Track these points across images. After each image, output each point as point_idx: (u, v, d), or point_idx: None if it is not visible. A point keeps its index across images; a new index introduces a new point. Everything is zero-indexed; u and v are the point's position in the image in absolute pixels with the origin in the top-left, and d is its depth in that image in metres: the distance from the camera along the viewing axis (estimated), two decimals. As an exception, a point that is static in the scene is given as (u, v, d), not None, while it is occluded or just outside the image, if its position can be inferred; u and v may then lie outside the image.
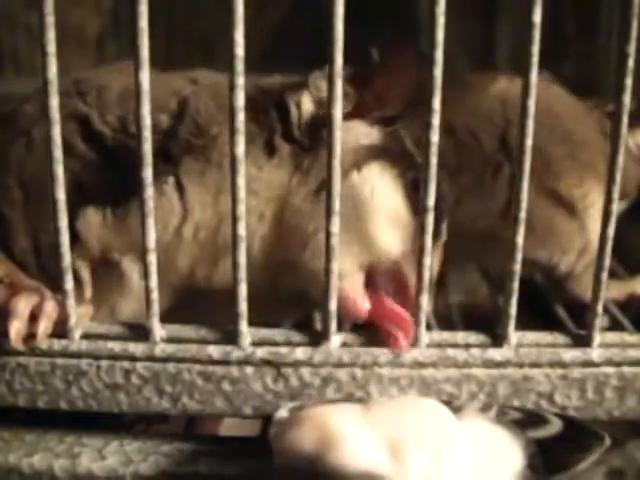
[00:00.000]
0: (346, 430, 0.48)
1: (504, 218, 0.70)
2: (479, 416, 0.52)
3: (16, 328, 0.53)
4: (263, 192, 0.59)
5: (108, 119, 0.60)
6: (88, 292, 0.60)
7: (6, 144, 0.61)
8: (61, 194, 0.52)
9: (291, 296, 0.61)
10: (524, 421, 0.52)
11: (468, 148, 0.75)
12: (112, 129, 0.60)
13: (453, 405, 0.53)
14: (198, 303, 0.61)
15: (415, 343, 0.56)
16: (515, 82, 0.71)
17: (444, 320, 0.75)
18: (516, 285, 0.55)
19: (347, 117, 0.56)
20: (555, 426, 0.52)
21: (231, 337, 0.56)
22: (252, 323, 0.56)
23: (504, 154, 0.75)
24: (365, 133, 0.61)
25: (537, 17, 0.50)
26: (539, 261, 0.78)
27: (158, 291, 0.54)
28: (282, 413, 0.53)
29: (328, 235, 0.52)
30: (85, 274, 0.60)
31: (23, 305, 0.53)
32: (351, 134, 0.59)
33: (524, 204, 0.54)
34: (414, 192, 0.58)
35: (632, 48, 0.51)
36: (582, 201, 0.77)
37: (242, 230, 0.52)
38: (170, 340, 0.56)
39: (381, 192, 0.59)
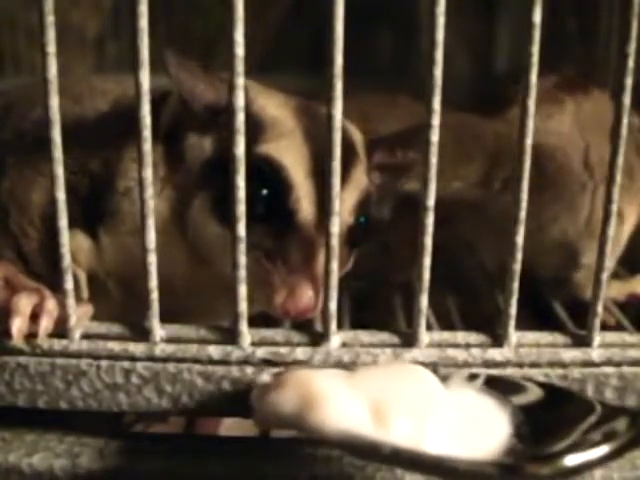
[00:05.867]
0: (328, 391, 0.47)
1: (587, 229, 0.80)
2: (465, 385, 0.52)
3: (18, 325, 0.53)
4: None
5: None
6: (85, 293, 0.61)
7: None
8: (61, 194, 0.52)
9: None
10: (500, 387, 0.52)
11: (565, 171, 0.80)
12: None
13: (440, 374, 0.52)
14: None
15: (415, 343, 0.56)
16: (581, 100, 0.82)
17: (444, 320, 0.75)
18: (516, 285, 0.55)
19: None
20: (534, 393, 0.52)
21: (231, 337, 0.56)
22: (251, 323, 0.56)
23: (587, 174, 0.80)
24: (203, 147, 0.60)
25: (537, 17, 0.50)
26: (587, 263, 0.81)
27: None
28: (264, 377, 0.53)
29: (328, 235, 0.52)
30: (82, 276, 0.61)
31: (25, 303, 0.54)
32: (200, 150, 0.59)
33: (524, 204, 0.54)
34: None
35: (632, 48, 0.51)
36: (627, 208, 0.82)
37: (242, 230, 0.52)
38: (170, 340, 0.56)
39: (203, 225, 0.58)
